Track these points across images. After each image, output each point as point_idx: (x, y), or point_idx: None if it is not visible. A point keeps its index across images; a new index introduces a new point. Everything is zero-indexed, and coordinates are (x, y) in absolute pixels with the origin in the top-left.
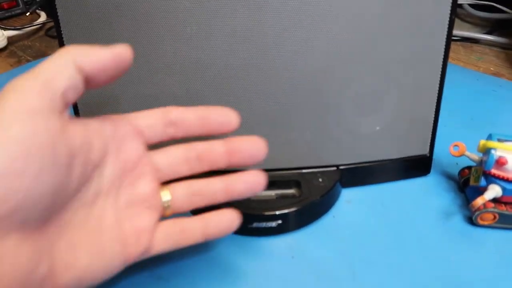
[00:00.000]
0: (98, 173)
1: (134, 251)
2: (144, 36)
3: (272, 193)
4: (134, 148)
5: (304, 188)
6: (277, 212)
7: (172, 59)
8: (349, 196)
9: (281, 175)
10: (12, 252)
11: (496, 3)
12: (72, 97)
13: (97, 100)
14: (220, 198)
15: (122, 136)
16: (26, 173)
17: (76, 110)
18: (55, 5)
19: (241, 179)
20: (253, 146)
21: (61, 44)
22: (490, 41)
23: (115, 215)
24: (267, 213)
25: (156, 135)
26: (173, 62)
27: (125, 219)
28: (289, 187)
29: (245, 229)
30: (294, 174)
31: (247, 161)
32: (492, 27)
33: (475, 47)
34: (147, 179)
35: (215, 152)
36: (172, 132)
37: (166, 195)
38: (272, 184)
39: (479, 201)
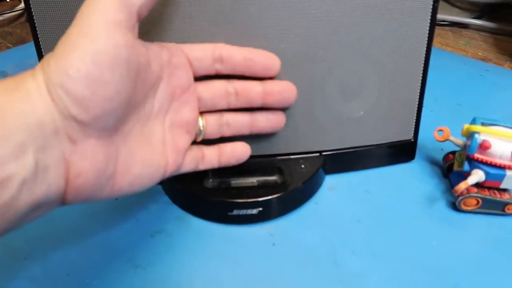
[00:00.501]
0: (152, 94)
1: (171, 167)
2: None
3: (254, 179)
4: (184, 77)
5: (286, 175)
6: (258, 199)
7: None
8: (332, 183)
9: (263, 161)
10: (91, 152)
11: None
12: (145, 12)
13: None
14: (244, 131)
15: (176, 64)
16: (111, 83)
17: None
18: None
19: (265, 116)
20: (286, 90)
21: (33, 29)
22: (479, 25)
23: (161, 135)
24: (247, 200)
25: (204, 68)
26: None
27: (168, 139)
28: (271, 174)
29: (226, 217)
30: (276, 160)
31: (280, 103)
32: (480, 12)
33: (464, 32)
34: (191, 107)
35: (253, 91)
36: (218, 67)
37: (201, 122)
38: (253, 170)
39: (462, 186)
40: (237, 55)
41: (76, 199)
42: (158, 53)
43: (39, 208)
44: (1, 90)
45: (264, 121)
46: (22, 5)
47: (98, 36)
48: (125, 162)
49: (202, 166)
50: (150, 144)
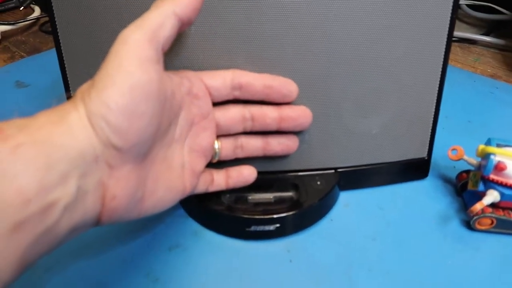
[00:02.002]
0: (175, 121)
1: (188, 189)
2: None
3: (270, 196)
4: (203, 105)
5: (302, 191)
6: (276, 216)
7: (170, 58)
8: (347, 199)
9: (279, 177)
10: (126, 176)
11: (493, 4)
12: (168, 46)
13: None
14: (258, 153)
15: (195, 94)
16: (145, 114)
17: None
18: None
19: (277, 140)
20: (301, 116)
21: (56, 39)
22: (487, 42)
23: (181, 159)
24: (265, 216)
25: (222, 96)
26: (171, 62)
27: (186, 163)
28: (287, 190)
29: (243, 233)
30: (292, 176)
31: (294, 128)
32: (489, 28)
33: (473, 48)
34: (209, 132)
35: (268, 117)
36: (237, 94)
37: (217, 145)
38: (270, 186)
39: (477, 206)
40: (256, 83)
41: (109, 220)
42: (179, 84)
43: (75, 231)
44: (46, 123)
45: (276, 145)
46: (35, 14)
47: (134, 72)
48: (151, 186)
49: (211, 189)
50: (171, 168)
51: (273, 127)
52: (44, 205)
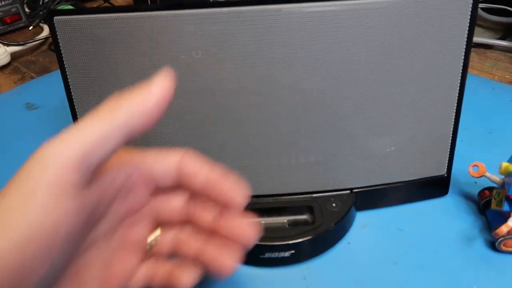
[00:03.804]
0: (97, 226)
1: None
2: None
3: (284, 219)
4: (140, 196)
5: (317, 214)
6: (291, 242)
7: (181, 89)
8: (364, 220)
9: (292, 200)
10: None
11: (509, 7)
12: (106, 161)
13: None
14: (193, 254)
15: (132, 184)
16: (42, 269)
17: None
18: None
19: (215, 248)
20: (242, 234)
21: (62, 67)
22: (504, 46)
23: (104, 259)
24: (280, 242)
25: (166, 183)
26: (181, 91)
27: (112, 261)
28: (301, 213)
29: (257, 260)
30: (306, 198)
31: (224, 245)
32: (505, 32)
33: (489, 53)
34: (143, 224)
35: (203, 219)
36: (182, 182)
37: (153, 238)
38: (283, 210)
39: (503, 229)
40: (199, 176)
41: None
42: (112, 179)
43: None
44: None
45: (211, 252)
46: (44, 33)
47: (38, 213)
48: None
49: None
50: (84, 282)
51: (205, 232)
52: None
